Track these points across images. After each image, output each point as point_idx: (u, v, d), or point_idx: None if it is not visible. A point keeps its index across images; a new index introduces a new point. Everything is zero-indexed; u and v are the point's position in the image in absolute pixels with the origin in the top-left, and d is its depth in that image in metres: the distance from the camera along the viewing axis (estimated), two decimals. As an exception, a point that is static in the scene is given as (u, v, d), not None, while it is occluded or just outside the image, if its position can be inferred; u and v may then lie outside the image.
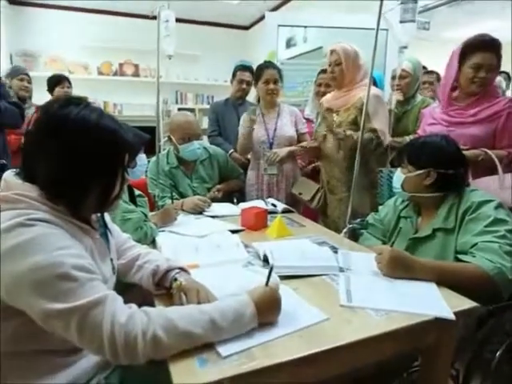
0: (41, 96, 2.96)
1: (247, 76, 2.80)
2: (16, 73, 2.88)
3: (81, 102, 0.85)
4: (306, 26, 3.50)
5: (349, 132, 1.94)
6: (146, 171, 2.06)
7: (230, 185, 2.32)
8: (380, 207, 1.67)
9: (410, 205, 1.50)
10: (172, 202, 1.80)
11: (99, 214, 0.98)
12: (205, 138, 2.86)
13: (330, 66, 2.03)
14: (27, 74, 2.92)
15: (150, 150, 1.96)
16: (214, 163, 2.24)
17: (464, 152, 1.56)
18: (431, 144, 1.38)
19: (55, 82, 3.08)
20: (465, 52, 1.65)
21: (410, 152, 1.42)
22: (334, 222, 2.09)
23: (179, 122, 2.07)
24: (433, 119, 1.83)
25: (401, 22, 1.62)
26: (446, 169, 1.33)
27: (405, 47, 1.73)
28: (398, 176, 1.45)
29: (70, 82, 3.15)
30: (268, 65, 2.32)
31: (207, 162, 2.22)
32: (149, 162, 1.98)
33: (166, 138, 2.13)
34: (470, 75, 1.64)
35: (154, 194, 2.03)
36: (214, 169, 2.24)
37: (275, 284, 0.93)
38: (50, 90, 3.07)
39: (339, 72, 1.99)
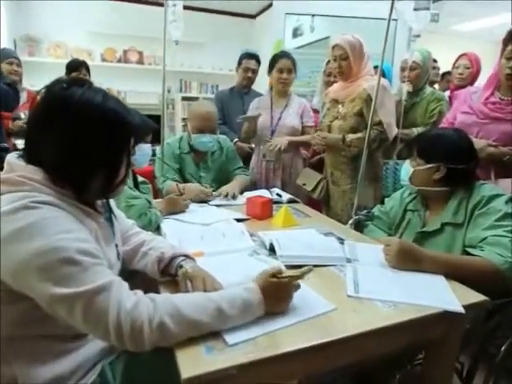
0: (41, 81, 2.91)
1: (253, 64, 2.77)
2: (5, 56, 2.76)
3: (84, 83, 0.82)
4: (313, 15, 3.45)
5: (348, 138, 1.93)
6: (151, 159, 2.02)
7: (237, 186, 2.09)
8: (386, 199, 1.65)
9: (417, 198, 1.48)
10: (177, 187, 1.77)
11: (104, 200, 0.96)
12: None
13: (335, 60, 2.01)
14: (17, 58, 2.83)
15: (155, 138, 1.93)
16: (223, 155, 2.20)
17: (490, 149, 1.52)
18: (443, 138, 1.35)
19: (72, 67, 3.01)
20: (504, 42, 1.53)
21: (421, 145, 1.39)
22: (337, 215, 2.08)
23: (199, 111, 2.01)
24: (468, 108, 1.71)
25: (415, 9, 1.58)
26: (456, 164, 1.30)
27: (417, 36, 1.68)
28: (406, 168, 1.42)
29: (88, 69, 3.08)
30: (283, 54, 2.33)
31: (217, 154, 2.17)
32: (153, 151, 1.95)
33: (184, 123, 2.09)
34: (503, 67, 1.53)
35: (157, 175, 2.01)
36: (222, 161, 2.20)
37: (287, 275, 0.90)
38: (67, 75, 3.00)
39: (347, 66, 1.97)
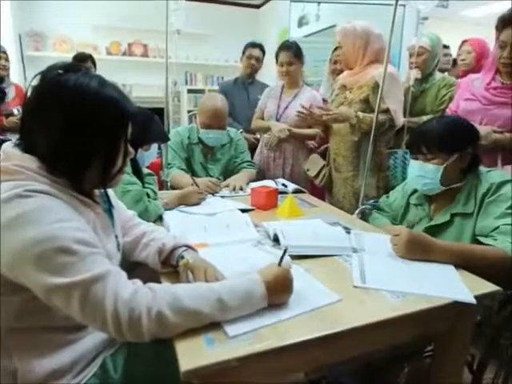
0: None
1: (257, 52, 2.74)
2: None
3: (80, 68, 0.80)
4: (319, 2, 3.38)
5: (361, 115, 1.88)
6: (160, 154, 2.00)
7: (245, 179, 2.06)
8: (391, 192, 1.60)
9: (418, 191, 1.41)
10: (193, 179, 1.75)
11: (102, 190, 0.94)
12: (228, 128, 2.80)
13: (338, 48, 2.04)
14: (4, 52, 2.77)
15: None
16: (232, 148, 2.17)
17: (495, 135, 1.48)
18: (455, 122, 1.27)
19: (79, 60, 2.97)
20: (497, 28, 1.49)
21: (440, 137, 1.22)
22: (339, 202, 2.06)
23: (207, 107, 1.96)
24: (471, 94, 1.68)
25: (422, -11, 1.52)
26: (472, 147, 1.23)
27: (425, 18, 1.63)
28: (432, 170, 1.23)
29: (94, 62, 3.06)
30: (283, 46, 2.30)
31: (227, 147, 2.14)
32: (159, 148, 1.91)
33: (190, 115, 2.08)
34: (498, 55, 1.50)
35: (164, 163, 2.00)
36: (231, 155, 2.17)
37: (288, 265, 0.89)
38: None
39: (342, 54, 1.97)
